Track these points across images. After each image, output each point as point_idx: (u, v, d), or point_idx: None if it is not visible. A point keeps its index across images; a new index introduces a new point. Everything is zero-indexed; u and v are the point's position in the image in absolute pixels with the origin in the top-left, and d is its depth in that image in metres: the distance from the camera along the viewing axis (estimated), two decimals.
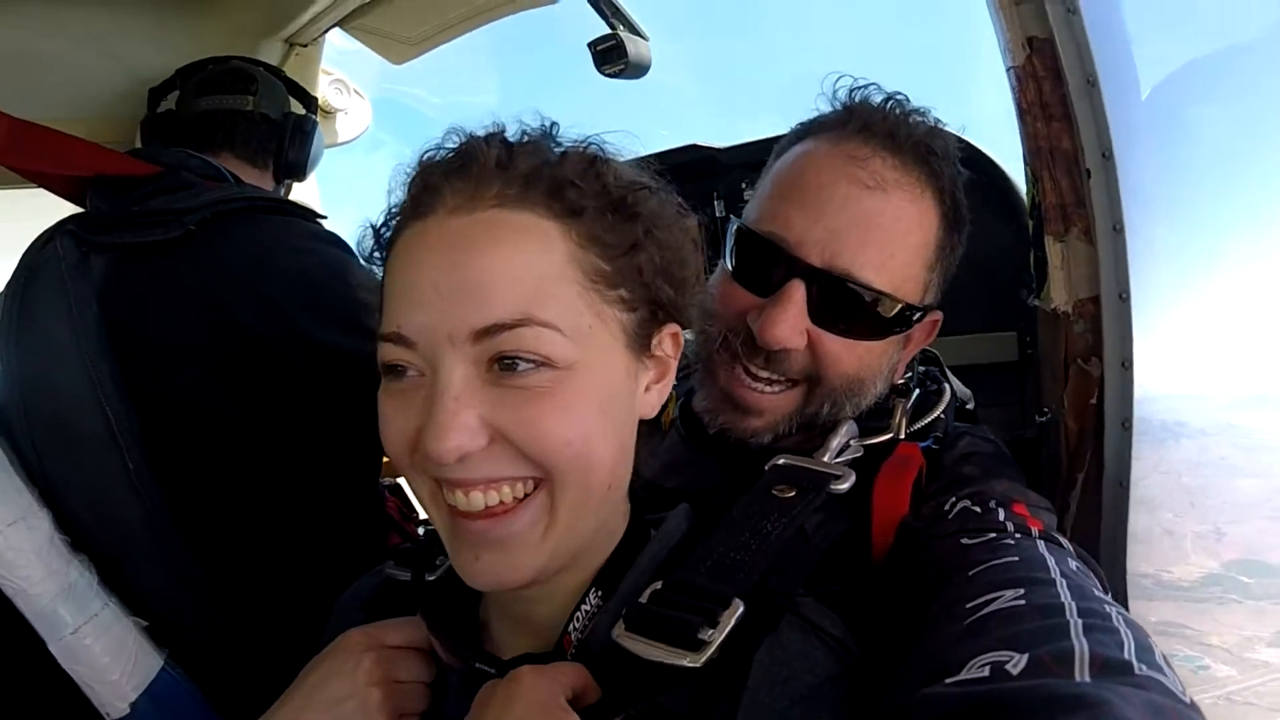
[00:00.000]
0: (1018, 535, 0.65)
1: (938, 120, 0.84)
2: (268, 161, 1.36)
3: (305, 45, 1.70)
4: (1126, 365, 0.90)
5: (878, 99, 0.83)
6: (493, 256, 0.52)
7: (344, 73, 1.81)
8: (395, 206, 0.61)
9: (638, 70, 1.27)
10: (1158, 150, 0.86)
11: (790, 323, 0.76)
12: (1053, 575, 0.57)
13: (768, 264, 0.79)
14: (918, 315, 0.83)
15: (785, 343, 0.77)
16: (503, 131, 0.60)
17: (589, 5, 1.24)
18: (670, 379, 0.64)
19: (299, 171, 1.41)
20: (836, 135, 0.81)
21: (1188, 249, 0.89)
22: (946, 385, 0.92)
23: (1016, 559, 0.60)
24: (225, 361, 1.05)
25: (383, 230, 0.62)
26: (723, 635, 0.53)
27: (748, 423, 0.82)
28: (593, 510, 0.57)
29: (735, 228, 0.84)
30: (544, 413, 0.53)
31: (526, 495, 0.55)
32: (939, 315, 0.88)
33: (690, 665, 0.52)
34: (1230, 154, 0.87)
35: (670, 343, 0.63)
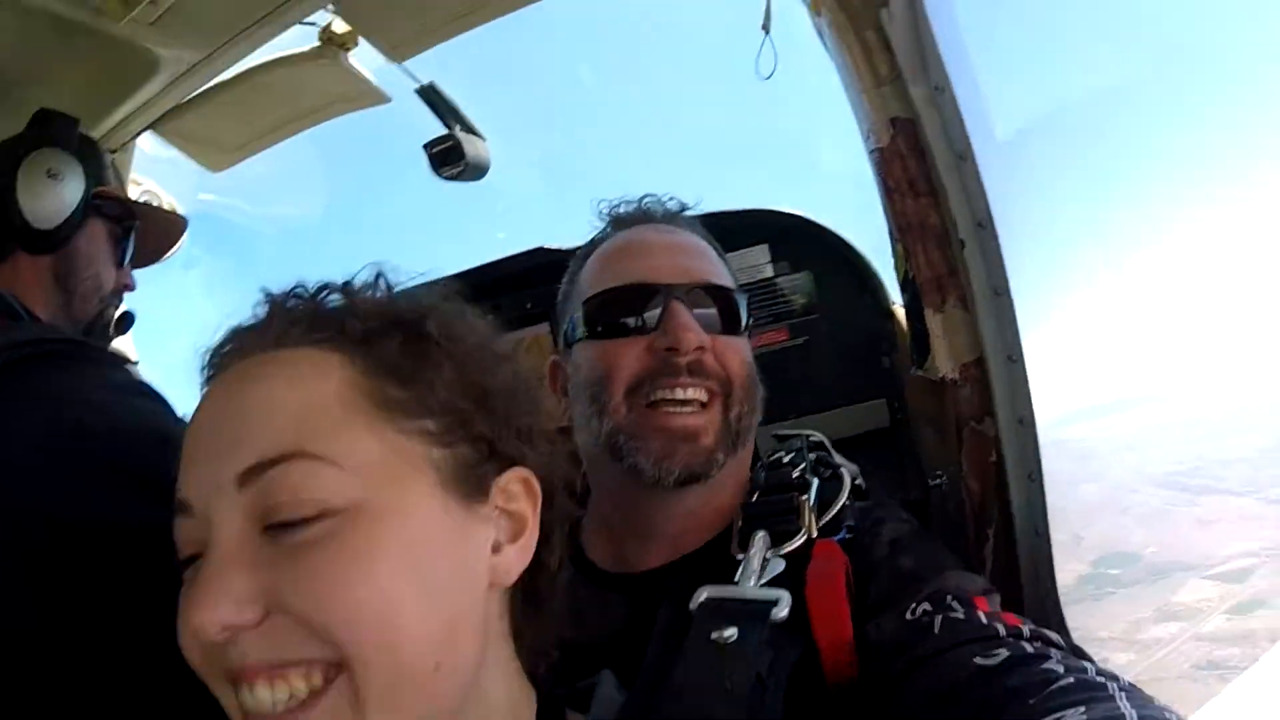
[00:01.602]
0: (1025, 645, 0.63)
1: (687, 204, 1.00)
2: (9, 248, 1.05)
3: (114, 151, 1.49)
4: (1025, 422, 0.91)
5: (632, 206, 0.98)
6: (255, 395, 0.49)
7: (156, 183, 1.60)
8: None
9: (477, 171, 1.21)
10: (1036, 214, 0.88)
11: (693, 326, 0.84)
12: (1110, 691, 0.54)
13: (639, 304, 0.86)
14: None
15: (700, 340, 0.84)
16: (305, 286, 0.58)
17: (424, 105, 1.15)
18: (532, 536, 0.56)
19: (28, 233, 1.05)
20: (614, 231, 0.96)
21: (1064, 305, 0.92)
22: (843, 470, 0.90)
23: (1071, 680, 0.57)
24: (24, 560, 0.82)
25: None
26: None
27: (699, 446, 0.84)
28: (419, 703, 0.47)
29: (583, 302, 0.90)
30: (329, 567, 0.45)
31: (323, 686, 0.45)
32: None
33: None
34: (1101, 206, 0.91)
35: (522, 490, 0.55)
